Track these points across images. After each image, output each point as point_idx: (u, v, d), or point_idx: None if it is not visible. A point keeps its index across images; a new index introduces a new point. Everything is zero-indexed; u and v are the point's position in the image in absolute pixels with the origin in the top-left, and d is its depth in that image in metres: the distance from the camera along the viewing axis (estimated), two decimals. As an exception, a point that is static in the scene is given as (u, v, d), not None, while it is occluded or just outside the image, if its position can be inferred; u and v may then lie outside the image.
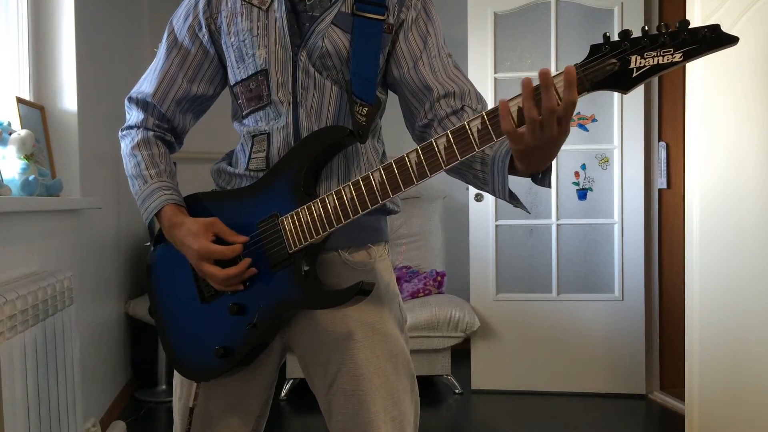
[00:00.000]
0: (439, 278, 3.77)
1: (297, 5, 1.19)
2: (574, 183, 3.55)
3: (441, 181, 1.27)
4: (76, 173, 2.54)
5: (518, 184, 1.06)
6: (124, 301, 3.47)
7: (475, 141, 0.99)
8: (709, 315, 2.42)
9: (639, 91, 3.45)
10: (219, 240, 1.15)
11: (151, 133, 1.27)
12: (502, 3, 3.56)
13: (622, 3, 3.46)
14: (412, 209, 4.00)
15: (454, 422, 3.21)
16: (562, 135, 0.95)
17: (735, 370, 2.30)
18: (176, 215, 1.18)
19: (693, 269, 2.49)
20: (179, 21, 1.27)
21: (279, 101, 1.19)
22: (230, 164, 1.28)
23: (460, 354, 3.68)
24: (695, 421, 2.49)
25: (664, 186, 3.51)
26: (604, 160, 3.53)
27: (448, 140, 1.00)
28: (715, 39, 0.89)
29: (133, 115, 1.29)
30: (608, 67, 0.92)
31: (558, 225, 3.57)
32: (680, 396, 3.02)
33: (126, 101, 1.31)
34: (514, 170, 1.03)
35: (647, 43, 0.91)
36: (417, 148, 1.03)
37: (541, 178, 1.04)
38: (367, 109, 1.17)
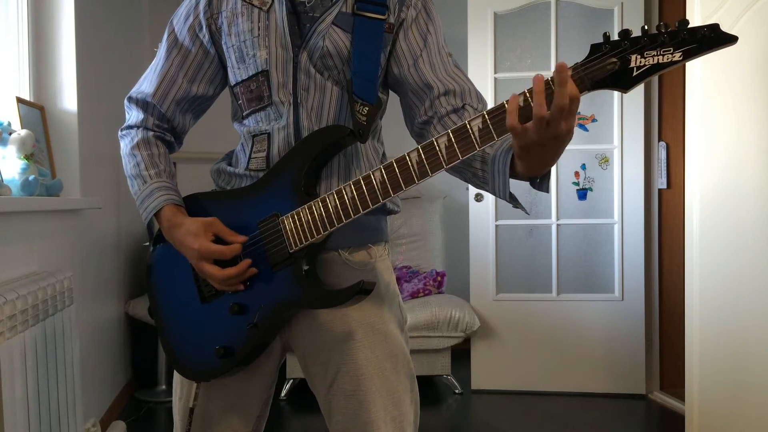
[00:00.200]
0: (439, 278, 3.77)
1: (298, 6, 1.19)
2: (574, 183, 3.55)
3: (441, 181, 1.27)
4: (76, 173, 2.54)
5: (518, 183, 1.06)
6: (124, 301, 3.47)
7: (476, 140, 0.99)
8: (709, 315, 2.42)
9: (639, 91, 3.45)
10: (218, 240, 1.15)
11: (150, 133, 1.27)
12: (502, 3, 3.56)
13: (622, 3, 3.46)
14: (412, 209, 4.00)
15: (454, 422, 3.21)
16: (568, 134, 0.95)
17: (735, 370, 2.30)
18: (175, 216, 1.18)
19: (693, 269, 2.49)
20: (180, 21, 1.27)
21: (280, 102, 1.19)
22: (230, 164, 1.28)
23: (460, 354, 3.68)
24: (695, 421, 2.49)
25: (664, 186, 3.51)
26: (604, 160, 3.53)
27: (449, 139, 1.00)
28: (714, 38, 0.89)
29: (133, 115, 1.29)
30: (608, 66, 0.92)
31: (558, 225, 3.57)
32: (680, 396, 3.02)
33: (126, 101, 1.31)
34: (513, 173, 1.03)
35: (647, 42, 0.91)
36: (418, 147, 1.03)
37: (540, 182, 1.03)
38: (367, 108, 1.17)
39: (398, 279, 3.72)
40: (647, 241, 3.51)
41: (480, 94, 1.22)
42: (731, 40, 0.89)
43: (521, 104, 0.95)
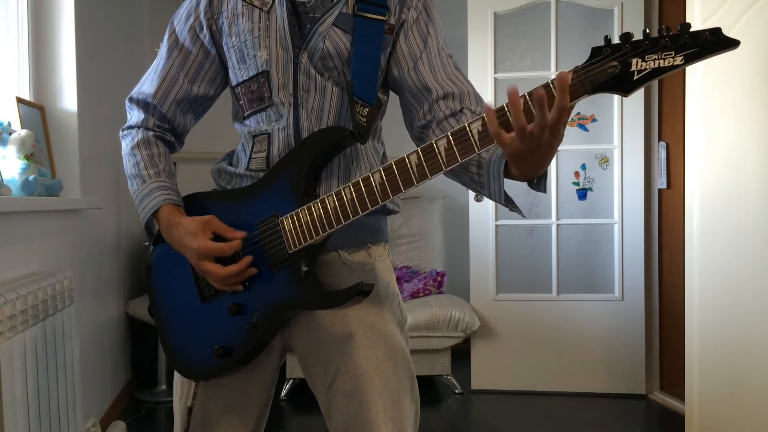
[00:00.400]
0: (439, 278, 3.77)
1: (298, 6, 1.19)
2: (574, 183, 3.55)
3: (441, 181, 1.27)
4: (76, 173, 2.53)
5: (518, 184, 1.07)
6: (124, 301, 3.47)
7: (475, 143, 0.99)
8: (709, 315, 2.42)
9: (639, 91, 3.44)
10: (217, 238, 1.15)
11: (151, 133, 1.27)
12: (502, 3, 3.56)
13: (622, 3, 3.46)
14: (412, 209, 4.00)
15: (454, 422, 3.21)
16: (555, 141, 0.95)
17: (735, 370, 2.30)
18: (173, 215, 1.18)
19: (693, 269, 2.49)
20: (180, 21, 1.27)
21: (280, 103, 1.19)
22: (231, 164, 1.28)
23: (460, 354, 3.68)
24: (695, 421, 2.49)
25: (664, 186, 3.51)
26: (604, 160, 3.53)
27: (449, 142, 1.00)
28: (716, 42, 0.89)
29: (134, 116, 1.29)
30: (609, 69, 0.92)
31: (558, 225, 3.57)
32: (680, 396, 3.02)
33: (127, 101, 1.31)
34: (509, 174, 1.03)
35: (648, 45, 0.91)
36: (417, 150, 1.03)
37: (537, 183, 1.04)
38: (367, 109, 1.17)
39: (398, 279, 3.72)
40: (647, 241, 3.51)
41: (479, 97, 1.22)
42: (733, 44, 0.89)
43: (499, 117, 0.95)
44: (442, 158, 1.01)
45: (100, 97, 2.91)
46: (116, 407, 3.16)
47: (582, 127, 3.53)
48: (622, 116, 3.48)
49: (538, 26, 3.55)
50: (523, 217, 1.28)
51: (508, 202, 1.08)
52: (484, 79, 3.54)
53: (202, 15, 1.24)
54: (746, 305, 2.24)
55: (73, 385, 2.05)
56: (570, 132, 3.51)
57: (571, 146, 3.51)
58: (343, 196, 1.08)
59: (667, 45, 0.90)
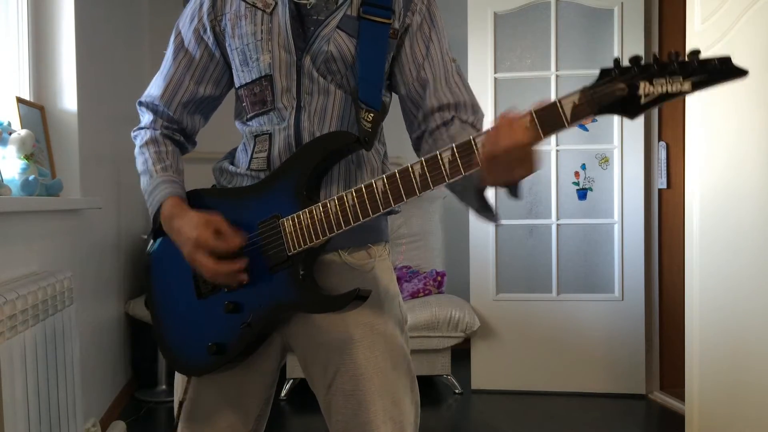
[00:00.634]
0: (439, 278, 3.77)
1: (301, 9, 1.19)
2: (574, 183, 3.55)
3: (441, 181, 1.27)
4: (76, 173, 2.54)
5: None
6: (124, 301, 3.47)
7: (479, 156, 0.99)
8: (709, 315, 2.42)
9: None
10: (218, 237, 1.15)
11: (158, 132, 1.28)
12: (502, 3, 3.56)
13: (622, 3, 3.46)
14: (412, 209, 4.00)
15: (454, 422, 3.21)
16: (523, 172, 0.97)
17: (735, 370, 2.30)
18: (177, 207, 1.18)
19: (693, 269, 2.49)
20: (185, 24, 1.27)
21: (283, 107, 1.19)
22: (232, 163, 1.29)
23: (460, 354, 3.68)
24: (695, 421, 2.49)
25: (664, 186, 3.51)
26: (604, 160, 3.53)
27: (453, 154, 1.01)
28: (725, 71, 0.90)
29: (145, 118, 1.31)
30: (618, 91, 0.92)
31: (558, 225, 3.57)
32: (680, 396, 3.02)
33: (137, 105, 1.32)
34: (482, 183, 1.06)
35: (657, 70, 0.91)
36: (421, 160, 1.04)
37: (512, 189, 1.05)
38: (372, 115, 1.17)
39: (398, 279, 3.72)
40: (647, 241, 3.51)
41: (476, 106, 1.23)
42: (742, 74, 0.89)
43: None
44: (445, 170, 1.02)
45: (100, 97, 2.91)
46: (116, 407, 3.16)
47: (582, 127, 3.53)
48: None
49: (538, 26, 3.55)
50: (495, 223, 1.31)
51: (483, 210, 1.12)
52: (484, 79, 3.54)
53: (205, 17, 1.24)
54: (746, 305, 2.24)
55: (73, 385, 2.05)
56: (570, 132, 3.51)
57: (571, 146, 3.52)
58: (345, 202, 1.08)
59: (676, 71, 0.90)
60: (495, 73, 3.56)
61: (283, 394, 3.39)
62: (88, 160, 2.67)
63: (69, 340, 2.03)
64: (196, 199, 1.23)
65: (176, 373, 1.28)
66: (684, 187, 2.56)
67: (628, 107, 0.93)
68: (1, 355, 1.57)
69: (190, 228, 1.13)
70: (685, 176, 2.56)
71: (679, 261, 3.03)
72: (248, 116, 1.24)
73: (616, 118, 3.48)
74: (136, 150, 1.28)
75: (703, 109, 2.40)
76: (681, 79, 0.90)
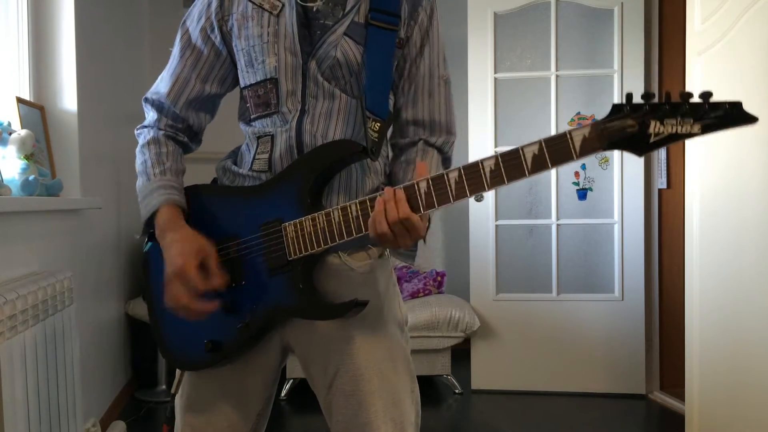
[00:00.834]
0: (439, 278, 3.77)
1: (308, 12, 1.19)
2: (574, 183, 3.55)
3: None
4: (76, 173, 2.54)
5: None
6: (124, 301, 3.47)
7: (486, 180, 1.01)
8: (709, 315, 2.42)
9: (639, 91, 3.44)
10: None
11: (161, 133, 1.27)
12: (502, 3, 3.56)
13: (622, 3, 3.46)
14: (412, 209, 3.99)
15: (454, 422, 3.21)
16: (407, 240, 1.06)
17: (735, 371, 2.30)
18: (172, 219, 1.17)
19: (693, 269, 2.49)
20: (192, 22, 1.27)
21: (288, 111, 1.19)
22: (235, 163, 1.28)
23: (460, 354, 3.68)
24: (695, 421, 2.49)
25: (664, 186, 3.51)
26: (604, 160, 3.53)
27: (460, 176, 1.02)
28: (736, 117, 0.91)
29: (149, 116, 1.30)
30: (628, 129, 0.93)
31: (558, 225, 3.57)
32: (680, 396, 3.02)
33: (143, 102, 1.31)
34: None
35: (668, 110, 0.92)
36: (428, 179, 1.05)
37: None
38: (379, 124, 1.17)
39: (398, 279, 3.72)
40: (647, 241, 3.51)
41: (451, 127, 1.26)
42: (752, 120, 0.90)
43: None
44: (451, 191, 1.03)
45: (100, 97, 2.91)
46: (116, 407, 3.16)
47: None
48: (622, 116, 3.47)
49: (538, 26, 3.55)
50: (411, 264, 1.35)
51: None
52: (484, 80, 3.54)
53: (213, 16, 1.24)
54: (746, 305, 2.24)
55: (73, 385, 2.05)
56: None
57: (571, 146, 3.51)
58: (348, 213, 1.09)
59: (687, 112, 0.91)
60: (495, 73, 3.56)
61: (283, 394, 3.39)
62: (88, 160, 2.67)
63: (69, 340, 2.03)
64: (195, 196, 1.23)
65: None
66: (684, 187, 2.56)
67: (637, 144, 0.94)
68: (1, 355, 1.57)
69: (178, 252, 1.12)
70: (685, 176, 2.56)
71: (679, 261, 3.03)
72: (251, 117, 1.24)
73: (611, 108, 3.47)
74: (138, 148, 1.28)
75: (703, 109, 2.40)
76: (691, 121, 0.91)
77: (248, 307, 1.16)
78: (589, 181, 3.54)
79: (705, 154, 2.41)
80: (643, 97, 0.93)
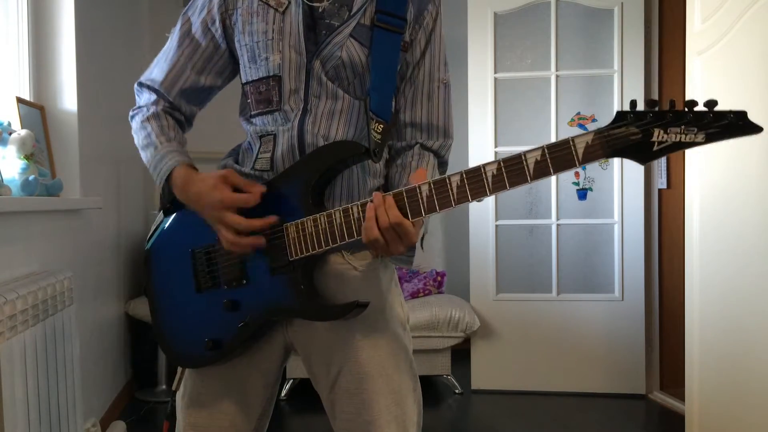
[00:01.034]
0: (439, 278, 3.77)
1: (314, 11, 1.19)
2: (574, 183, 3.56)
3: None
4: (76, 173, 2.53)
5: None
6: (124, 301, 3.47)
7: (488, 185, 1.01)
8: (709, 315, 2.42)
9: (638, 91, 3.45)
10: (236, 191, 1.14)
11: (160, 108, 1.26)
12: (502, 3, 3.56)
13: (622, 3, 3.46)
14: (412, 209, 3.99)
15: (454, 422, 3.21)
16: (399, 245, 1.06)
17: (735, 370, 2.30)
18: (189, 173, 1.18)
19: (693, 269, 2.49)
20: (195, 12, 1.27)
21: (290, 110, 1.19)
22: (237, 162, 1.28)
23: (460, 354, 3.68)
24: (695, 421, 2.49)
25: (664, 186, 3.51)
26: (604, 160, 3.53)
27: (462, 180, 1.02)
28: (740, 126, 0.90)
29: (144, 97, 1.29)
30: (632, 137, 0.94)
31: (558, 225, 3.57)
32: (680, 396, 3.02)
33: (136, 86, 1.31)
34: None
35: (672, 118, 0.92)
36: (429, 182, 1.04)
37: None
38: (382, 126, 1.17)
39: (398, 279, 3.72)
40: (647, 241, 3.51)
41: (449, 130, 1.26)
42: (757, 130, 0.90)
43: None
44: (453, 195, 1.03)
45: (100, 97, 2.91)
46: (116, 407, 3.16)
47: (582, 127, 3.53)
48: (622, 116, 3.47)
49: (538, 26, 3.55)
50: (409, 269, 1.34)
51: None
52: (484, 79, 3.54)
53: (216, 9, 1.24)
54: (746, 305, 2.24)
55: (73, 385, 2.05)
56: (570, 132, 3.51)
57: (571, 146, 3.51)
58: (350, 215, 1.09)
59: (691, 121, 0.91)
60: (495, 73, 3.56)
61: (283, 394, 3.39)
62: (88, 160, 2.67)
63: (69, 340, 2.03)
64: None
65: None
66: (684, 187, 2.56)
67: (640, 153, 0.94)
68: (1, 355, 1.57)
69: (210, 191, 1.12)
70: (685, 176, 2.56)
71: (679, 261, 3.03)
72: (251, 113, 1.24)
73: (615, 115, 3.47)
74: (136, 126, 1.26)
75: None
76: (695, 130, 0.90)
77: (249, 306, 1.16)
78: (589, 181, 3.54)
79: (705, 154, 2.41)
80: (647, 104, 0.93)
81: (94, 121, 2.78)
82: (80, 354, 2.15)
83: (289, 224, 1.13)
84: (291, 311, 1.16)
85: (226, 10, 1.23)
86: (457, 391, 3.52)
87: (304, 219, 1.12)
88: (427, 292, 3.69)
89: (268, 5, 1.20)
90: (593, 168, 3.54)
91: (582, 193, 3.55)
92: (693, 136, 0.91)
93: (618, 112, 0.95)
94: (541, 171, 0.98)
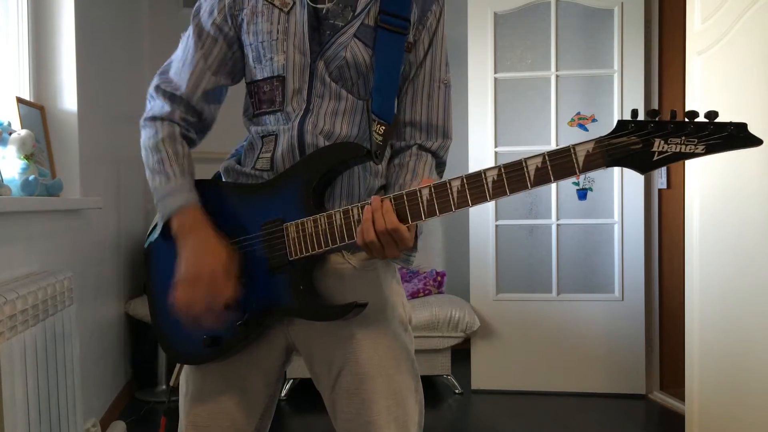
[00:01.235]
0: (439, 278, 3.77)
1: (318, 12, 1.19)
2: (574, 183, 3.55)
3: (441, 181, 1.28)
4: (76, 173, 2.53)
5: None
6: (124, 301, 3.47)
7: (488, 191, 1.01)
8: (709, 315, 2.42)
9: (638, 90, 3.45)
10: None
11: (177, 129, 1.24)
12: (502, 3, 3.56)
13: (622, 3, 3.46)
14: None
15: (454, 422, 3.21)
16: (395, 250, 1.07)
17: (735, 371, 2.30)
18: (199, 222, 1.17)
19: (693, 269, 2.49)
20: (204, 14, 1.26)
21: (292, 110, 1.19)
22: (239, 162, 1.28)
23: (460, 354, 3.68)
24: (695, 421, 2.49)
25: (664, 186, 3.51)
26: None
27: (462, 184, 1.03)
28: (741, 138, 0.91)
29: (157, 105, 1.25)
30: (633, 146, 0.94)
31: (558, 225, 3.57)
32: (680, 396, 3.02)
33: (152, 91, 1.26)
34: None
35: (673, 129, 0.92)
36: (430, 186, 1.05)
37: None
38: (384, 128, 1.17)
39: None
40: (647, 241, 3.52)
41: (448, 130, 1.26)
42: (757, 143, 0.91)
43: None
44: (453, 199, 1.03)
45: (100, 97, 2.91)
46: (116, 407, 3.16)
47: (582, 126, 3.53)
48: (623, 115, 3.47)
49: (538, 26, 3.55)
50: (408, 268, 1.35)
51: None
52: (484, 79, 3.54)
53: (226, 8, 1.23)
54: (746, 305, 2.24)
55: (73, 385, 2.05)
56: (570, 132, 3.52)
57: (571, 146, 3.51)
58: (350, 216, 1.09)
59: (692, 132, 0.91)
60: (495, 73, 3.56)
61: (283, 394, 3.39)
62: (88, 160, 2.67)
63: (69, 340, 2.03)
64: (197, 191, 1.22)
65: (182, 373, 1.29)
66: (684, 187, 2.56)
67: (640, 162, 0.94)
68: (1, 355, 1.57)
69: (207, 254, 1.13)
70: (685, 176, 2.56)
71: (679, 261, 3.03)
72: (255, 112, 1.24)
73: (615, 115, 3.48)
74: (149, 143, 1.22)
75: (703, 108, 2.40)
76: (696, 141, 0.91)
77: (248, 305, 1.16)
78: (589, 181, 3.54)
79: (705, 154, 2.41)
80: (647, 114, 0.93)
81: (94, 121, 2.78)
82: (80, 354, 2.15)
83: (289, 224, 1.13)
84: (290, 311, 1.16)
85: (234, 9, 1.23)
86: (457, 391, 3.52)
87: (305, 219, 1.12)
88: (427, 292, 3.69)
89: (273, 5, 1.20)
90: (593, 168, 3.53)
91: (582, 193, 3.55)
92: (693, 147, 0.91)
93: (619, 122, 0.95)
94: (542, 178, 0.98)
